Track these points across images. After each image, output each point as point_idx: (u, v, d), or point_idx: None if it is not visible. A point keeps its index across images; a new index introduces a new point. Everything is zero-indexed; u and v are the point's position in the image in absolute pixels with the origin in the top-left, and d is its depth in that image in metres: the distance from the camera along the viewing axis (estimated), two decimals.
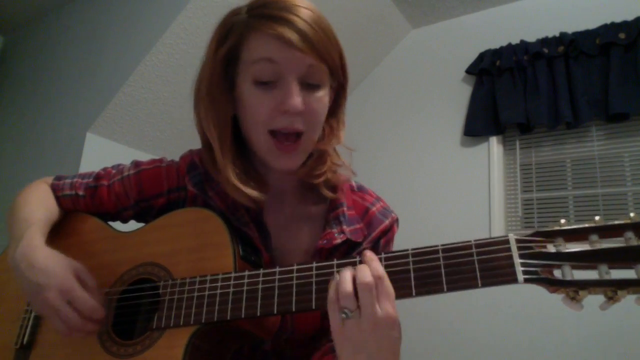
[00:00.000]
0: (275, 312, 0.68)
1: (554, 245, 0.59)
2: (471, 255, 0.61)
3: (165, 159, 0.92)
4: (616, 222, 0.57)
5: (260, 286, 0.70)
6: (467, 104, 2.88)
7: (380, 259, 0.65)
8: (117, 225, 0.92)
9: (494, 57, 2.79)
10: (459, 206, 2.77)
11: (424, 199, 2.90)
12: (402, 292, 0.62)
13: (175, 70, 2.52)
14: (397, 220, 0.91)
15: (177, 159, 0.92)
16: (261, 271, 0.71)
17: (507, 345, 2.43)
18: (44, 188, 0.95)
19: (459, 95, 2.95)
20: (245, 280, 0.71)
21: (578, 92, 2.48)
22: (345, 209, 0.86)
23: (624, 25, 2.44)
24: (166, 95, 2.61)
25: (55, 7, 3.12)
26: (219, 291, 0.72)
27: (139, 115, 2.62)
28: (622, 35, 2.42)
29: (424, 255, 0.63)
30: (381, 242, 0.88)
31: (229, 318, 0.70)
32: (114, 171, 0.94)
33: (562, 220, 0.60)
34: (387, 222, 0.88)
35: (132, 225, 0.91)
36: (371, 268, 0.62)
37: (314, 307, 0.66)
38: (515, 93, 2.66)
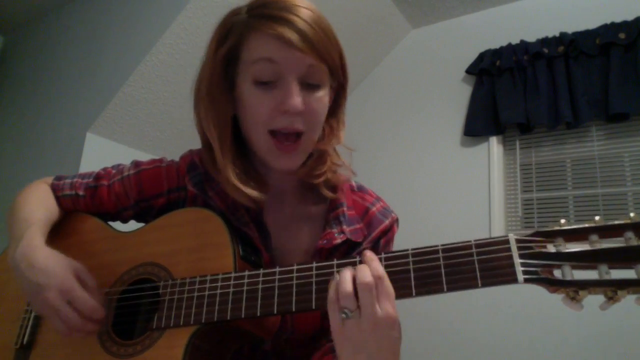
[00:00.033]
0: (275, 312, 0.68)
1: (554, 245, 0.59)
2: (471, 255, 0.61)
3: (165, 159, 0.92)
4: (616, 222, 0.57)
5: (260, 286, 0.70)
6: (467, 104, 2.88)
7: (380, 259, 0.65)
8: (117, 225, 0.92)
9: (494, 57, 2.79)
10: (459, 206, 2.77)
11: (424, 199, 2.90)
12: (402, 292, 0.62)
13: (175, 70, 2.52)
14: (397, 220, 0.91)
15: (177, 159, 0.92)
16: (261, 271, 0.71)
17: (507, 345, 2.43)
18: (44, 188, 0.95)
19: (459, 95, 2.95)
20: (245, 281, 0.71)
21: (578, 92, 2.48)
22: (345, 209, 0.86)
23: (624, 25, 2.44)
24: (166, 95, 2.61)
25: (55, 7, 3.12)
26: (219, 291, 0.72)
27: (139, 115, 2.62)
28: (622, 35, 2.42)
29: (424, 255, 0.63)
30: (381, 242, 0.88)
31: (229, 318, 0.70)
32: (114, 171, 0.94)
33: (562, 220, 0.60)
34: (387, 222, 0.88)
35: (132, 225, 0.91)
36: (371, 268, 0.62)
37: (313, 307, 0.66)
38: (515, 93, 2.66)
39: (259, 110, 0.75)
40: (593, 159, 2.54)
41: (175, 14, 2.37)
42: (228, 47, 0.76)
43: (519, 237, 0.60)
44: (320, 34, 0.73)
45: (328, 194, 0.85)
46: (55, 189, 0.96)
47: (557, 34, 2.62)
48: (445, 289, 0.61)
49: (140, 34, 2.50)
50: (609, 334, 2.19)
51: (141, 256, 0.83)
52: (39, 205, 0.90)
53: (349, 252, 0.85)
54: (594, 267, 0.56)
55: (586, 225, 0.59)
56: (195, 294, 0.73)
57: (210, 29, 0.80)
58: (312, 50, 0.71)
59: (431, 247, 0.64)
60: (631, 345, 2.14)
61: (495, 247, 0.60)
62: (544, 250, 0.59)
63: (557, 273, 0.58)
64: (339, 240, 0.82)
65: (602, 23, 2.51)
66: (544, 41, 2.65)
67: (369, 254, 0.64)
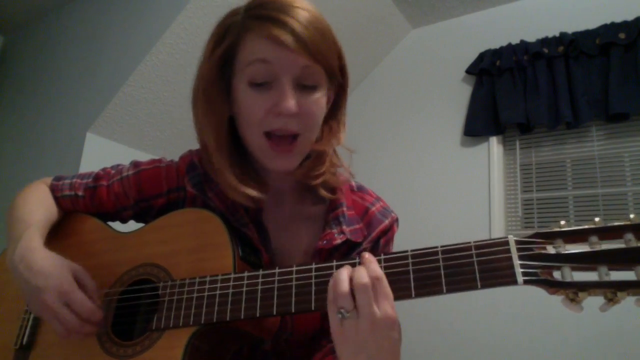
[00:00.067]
0: (274, 313, 0.68)
1: (554, 247, 0.59)
2: (471, 256, 0.61)
3: (164, 159, 0.92)
4: (616, 223, 0.57)
5: (259, 287, 0.70)
6: (467, 104, 2.88)
7: (379, 260, 0.65)
8: (117, 225, 0.92)
9: (494, 57, 2.79)
10: (459, 206, 2.77)
11: (424, 199, 2.90)
12: (401, 293, 0.62)
13: (175, 70, 2.52)
14: (397, 220, 0.91)
15: (176, 159, 0.92)
16: (260, 272, 0.71)
17: (507, 346, 2.43)
18: (43, 189, 0.95)
19: (459, 95, 2.95)
20: (245, 282, 0.71)
21: (578, 92, 2.48)
22: (345, 209, 0.86)
23: (624, 25, 2.44)
24: (166, 95, 2.61)
25: (55, 7, 3.12)
26: (218, 292, 0.72)
27: (139, 115, 2.62)
28: (622, 35, 2.42)
29: (424, 256, 0.63)
30: (381, 242, 0.88)
31: (228, 319, 0.70)
32: (113, 171, 0.93)
33: (562, 222, 0.60)
34: (387, 221, 0.88)
35: (132, 225, 0.91)
36: (369, 269, 0.62)
37: (313, 308, 0.66)
38: (515, 93, 2.66)
39: (253, 112, 0.74)
40: (593, 159, 2.54)
41: (175, 14, 2.37)
42: (224, 47, 0.76)
43: (518, 239, 0.60)
44: (316, 35, 0.72)
45: (326, 195, 0.85)
46: (54, 189, 0.96)
47: (557, 34, 2.62)
48: (444, 291, 0.61)
49: (140, 34, 2.50)
50: (609, 334, 2.19)
51: (141, 257, 0.83)
52: (38, 206, 0.90)
53: (349, 252, 0.85)
54: (593, 269, 0.56)
55: (586, 226, 0.59)
56: (195, 294, 0.73)
57: (210, 29, 0.80)
58: (306, 51, 0.71)
59: (430, 248, 0.64)
60: (631, 346, 2.14)
61: (495, 249, 0.60)
62: (543, 251, 0.59)
63: (556, 274, 0.58)
64: (338, 241, 0.82)
65: (602, 23, 2.51)
66: (544, 41, 2.65)
67: (367, 256, 0.64)
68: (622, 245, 0.56)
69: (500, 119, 2.68)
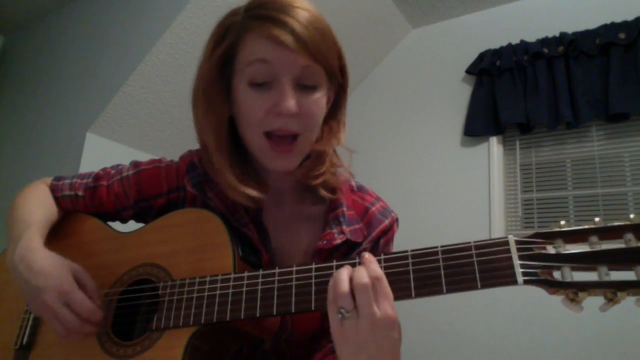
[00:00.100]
0: (274, 313, 0.68)
1: (554, 247, 0.59)
2: (471, 256, 0.61)
3: (164, 159, 0.92)
4: (616, 223, 0.57)
5: (259, 287, 0.70)
6: (467, 104, 2.88)
7: (379, 260, 0.65)
8: (117, 225, 0.92)
9: (494, 57, 2.79)
10: (459, 206, 2.77)
11: (424, 199, 2.90)
12: (401, 293, 0.62)
13: (175, 70, 2.52)
14: (397, 220, 0.91)
15: (176, 159, 0.92)
16: (260, 272, 0.71)
17: (507, 346, 2.43)
18: (43, 189, 0.95)
19: (459, 95, 2.95)
20: (245, 282, 0.71)
21: (578, 92, 2.48)
22: (345, 209, 0.86)
23: (624, 25, 2.44)
24: (166, 95, 2.61)
25: (55, 7, 3.12)
26: (218, 292, 0.72)
27: (139, 115, 2.62)
28: (622, 35, 2.42)
29: (424, 256, 0.63)
30: (381, 242, 0.88)
31: (228, 319, 0.70)
32: (113, 171, 0.93)
33: (562, 222, 0.60)
34: (386, 221, 0.88)
35: (132, 225, 0.91)
36: (369, 269, 0.62)
37: (313, 308, 0.66)
38: (515, 93, 2.66)
39: (253, 112, 0.74)
40: (593, 159, 2.54)
41: (175, 14, 2.37)
42: (224, 47, 0.76)
43: (518, 239, 0.60)
44: (316, 35, 0.72)
45: (326, 195, 0.85)
46: (54, 189, 0.96)
47: (557, 34, 2.62)
48: (444, 291, 0.61)
49: (140, 34, 2.50)
50: (609, 334, 2.19)
51: (141, 257, 0.83)
52: (37, 206, 0.90)
53: (349, 252, 0.85)
54: (593, 269, 0.56)
55: (586, 226, 0.59)
56: (195, 294, 0.73)
57: (210, 29, 0.81)
58: (306, 51, 0.71)
59: (430, 248, 0.64)
60: (631, 346, 2.14)
61: (495, 249, 0.60)
62: (543, 251, 0.59)
63: (556, 274, 0.58)
64: (338, 241, 0.82)
65: (602, 23, 2.51)
66: (544, 41, 2.65)
67: (367, 256, 0.64)
68: (622, 245, 0.56)
69: (500, 119, 2.68)
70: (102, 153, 2.57)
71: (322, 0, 0.89)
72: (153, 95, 2.58)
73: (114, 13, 2.72)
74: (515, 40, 2.76)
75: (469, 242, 0.62)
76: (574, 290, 0.56)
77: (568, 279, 0.56)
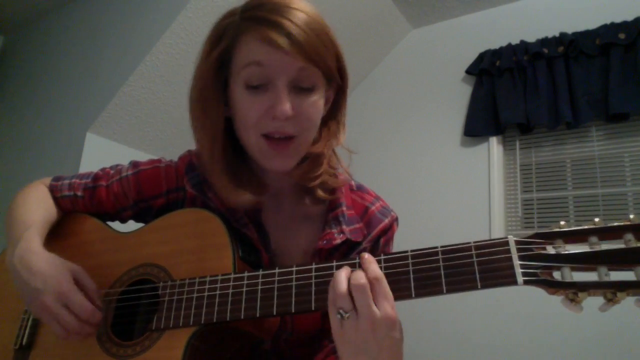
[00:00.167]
0: (274, 313, 0.68)
1: (554, 247, 0.59)
2: (471, 257, 0.61)
3: (163, 159, 0.92)
4: (615, 223, 0.57)
5: (259, 287, 0.70)
6: (467, 104, 2.88)
7: (379, 261, 0.65)
8: (117, 225, 0.92)
9: (494, 57, 2.79)
10: (459, 206, 2.77)
11: (424, 199, 2.90)
12: (401, 293, 0.62)
13: (175, 70, 2.52)
14: (396, 219, 0.90)
15: (176, 159, 0.92)
16: (260, 272, 0.71)
17: (507, 346, 2.43)
18: (42, 189, 0.95)
19: (459, 95, 2.95)
20: (245, 282, 0.71)
21: (578, 92, 2.48)
22: (344, 208, 0.86)
23: (623, 25, 2.44)
24: (166, 95, 2.61)
25: (55, 7, 3.12)
26: (218, 292, 0.72)
27: (139, 115, 2.62)
28: (622, 35, 2.42)
29: (424, 256, 0.63)
30: (381, 241, 0.88)
31: (228, 319, 0.70)
32: (112, 171, 0.93)
33: (562, 222, 0.60)
34: (386, 220, 0.88)
35: (132, 225, 0.91)
36: (369, 270, 0.62)
37: (313, 308, 0.66)
38: (515, 93, 2.66)
39: (249, 114, 0.74)
40: (593, 159, 2.54)
41: (175, 14, 2.37)
42: (220, 50, 0.76)
43: (518, 239, 0.60)
44: (312, 36, 0.71)
45: (324, 197, 0.85)
46: (53, 189, 0.95)
47: (557, 34, 2.62)
48: (444, 291, 0.61)
49: (140, 34, 2.50)
50: (609, 334, 2.19)
51: (140, 257, 0.83)
52: (37, 206, 0.90)
53: (349, 252, 0.85)
54: (593, 269, 0.56)
55: (586, 227, 0.59)
56: (195, 294, 0.73)
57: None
58: (301, 53, 0.70)
59: (430, 248, 0.64)
60: (631, 346, 2.14)
61: (495, 249, 0.60)
62: (543, 252, 0.59)
63: (556, 275, 0.58)
64: (338, 241, 0.81)
65: (602, 23, 2.51)
66: (544, 41, 2.65)
67: (366, 256, 0.65)
68: (622, 246, 0.56)
69: (500, 119, 2.68)
70: (102, 153, 2.57)
71: (322, 0, 0.89)
72: (153, 95, 2.58)
73: (114, 13, 2.72)
74: (515, 41, 2.76)
75: (469, 242, 0.62)
76: (573, 291, 0.56)
77: (568, 279, 0.56)
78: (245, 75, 0.73)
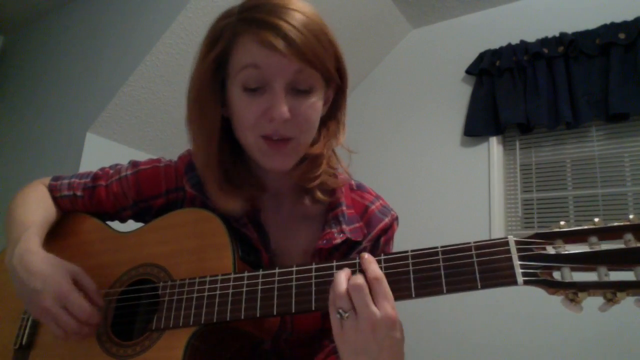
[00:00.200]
0: (275, 313, 0.68)
1: (554, 247, 0.59)
2: (471, 257, 0.61)
3: (163, 159, 0.92)
4: (615, 224, 0.57)
5: (259, 287, 0.70)
6: (467, 104, 2.88)
7: (379, 261, 0.65)
8: (116, 225, 0.92)
9: (494, 57, 2.79)
10: (459, 206, 2.77)
11: (424, 199, 2.90)
12: (401, 293, 0.62)
13: (175, 70, 2.52)
14: (397, 218, 0.90)
15: (176, 159, 0.92)
16: (260, 272, 0.71)
17: (507, 346, 2.43)
18: (41, 189, 0.95)
19: (459, 95, 2.95)
20: (245, 282, 0.71)
21: (578, 92, 2.48)
22: (344, 208, 0.86)
23: (623, 25, 2.44)
24: (166, 95, 2.61)
25: (55, 7, 3.12)
26: (218, 292, 0.72)
27: (139, 115, 2.62)
28: (622, 35, 2.42)
29: (424, 257, 0.63)
30: (381, 241, 0.88)
31: (228, 319, 0.70)
32: (111, 171, 0.93)
33: (562, 222, 0.60)
34: (387, 220, 0.88)
35: (131, 225, 0.91)
36: (369, 270, 0.62)
37: (313, 308, 0.66)
38: (515, 93, 2.66)
39: (247, 116, 0.74)
40: (593, 159, 2.54)
41: (175, 14, 2.37)
42: (217, 51, 0.75)
43: (518, 239, 0.60)
44: (310, 38, 0.71)
45: (323, 198, 0.85)
46: (52, 189, 0.95)
47: (557, 34, 2.62)
48: (444, 291, 0.61)
49: (140, 34, 2.50)
50: (609, 334, 2.19)
51: (140, 257, 0.83)
52: (36, 206, 0.90)
53: (349, 251, 0.85)
54: (593, 269, 0.56)
55: (586, 227, 0.59)
56: (195, 294, 0.73)
57: None
58: (298, 55, 0.70)
59: (431, 248, 0.64)
60: (631, 346, 2.14)
61: (495, 249, 0.60)
62: (543, 252, 0.59)
63: (556, 275, 0.58)
64: (338, 240, 0.81)
65: (602, 23, 2.51)
66: (544, 41, 2.65)
67: (367, 256, 0.65)
68: (622, 246, 0.56)
69: (500, 119, 2.68)
70: (102, 153, 2.57)
71: (321, 0, 0.89)
72: (153, 95, 2.58)
73: (114, 13, 2.72)
74: (515, 41, 2.76)
75: (469, 243, 0.62)
76: (573, 291, 0.56)
77: (568, 279, 0.56)
78: (242, 77, 0.73)
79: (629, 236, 0.56)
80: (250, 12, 0.73)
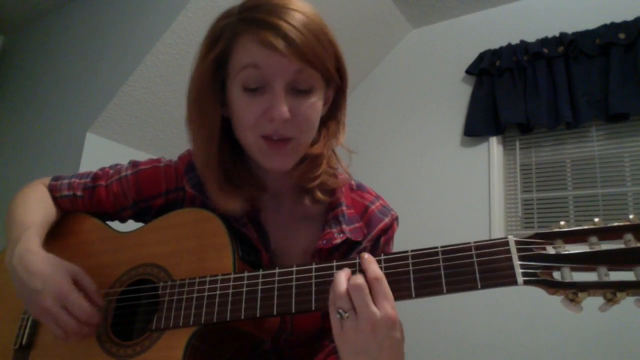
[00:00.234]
0: (275, 313, 0.68)
1: (554, 247, 0.59)
2: (471, 257, 0.61)
3: (163, 159, 0.92)
4: (615, 224, 0.57)
5: (259, 287, 0.70)
6: (467, 104, 2.88)
7: (379, 261, 0.65)
8: (116, 225, 0.92)
9: (494, 57, 2.79)
10: (459, 206, 2.77)
11: (424, 199, 2.90)
12: (401, 293, 0.62)
13: (175, 70, 2.52)
14: (397, 218, 0.90)
15: (176, 159, 0.92)
16: (260, 272, 0.71)
17: (508, 346, 2.43)
18: (41, 189, 0.95)
19: (459, 95, 2.95)
20: (245, 282, 0.71)
21: (578, 92, 2.48)
22: (344, 208, 0.86)
23: (623, 25, 2.44)
24: (166, 95, 2.61)
25: (55, 7, 3.12)
26: (218, 292, 0.72)
27: (139, 115, 2.62)
28: (622, 35, 2.42)
29: (424, 256, 0.63)
30: (381, 241, 0.88)
31: (228, 319, 0.70)
32: (111, 171, 0.93)
33: (562, 222, 0.60)
34: (387, 220, 0.88)
35: (131, 225, 0.91)
36: (369, 270, 0.62)
37: (313, 308, 0.66)
38: (515, 93, 2.66)
39: (247, 117, 0.74)
40: (593, 159, 2.54)
41: (175, 14, 2.37)
42: (217, 51, 0.75)
43: (518, 239, 0.60)
44: (310, 38, 0.71)
45: (322, 198, 0.85)
46: (52, 189, 0.95)
47: (557, 34, 2.62)
48: (444, 291, 0.61)
49: (140, 34, 2.50)
50: (609, 334, 2.19)
51: (140, 257, 0.83)
52: (36, 206, 0.90)
53: (349, 251, 0.85)
54: (593, 269, 0.56)
55: (585, 227, 0.59)
56: (195, 294, 0.73)
57: None
58: (298, 55, 0.70)
59: (431, 248, 0.64)
60: (631, 346, 2.14)
61: (495, 249, 0.60)
62: (543, 252, 0.59)
63: (556, 275, 0.58)
64: (338, 240, 0.81)
65: (602, 23, 2.51)
66: (544, 41, 2.65)
67: (367, 256, 0.65)
68: (622, 246, 0.56)
69: (500, 119, 2.68)
70: (102, 153, 2.57)
71: (321, 0, 0.89)
72: (153, 95, 2.58)
73: (114, 13, 2.72)
74: (515, 41, 2.76)
75: (469, 243, 0.62)
76: (573, 291, 0.56)
77: (568, 280, 0.56)
78: (242, 77, 0.73)
79: (629, 236, 0.56)
80: (250, 12, 0.73)
